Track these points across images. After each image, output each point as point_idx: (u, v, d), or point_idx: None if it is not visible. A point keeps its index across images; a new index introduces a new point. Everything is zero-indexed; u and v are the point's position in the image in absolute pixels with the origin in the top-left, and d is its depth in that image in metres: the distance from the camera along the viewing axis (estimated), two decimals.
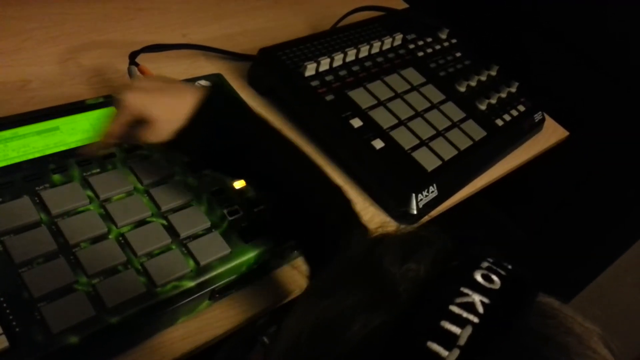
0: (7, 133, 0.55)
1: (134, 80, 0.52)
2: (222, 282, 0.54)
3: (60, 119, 0.58)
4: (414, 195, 0.74)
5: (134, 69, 0.72)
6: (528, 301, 0.27)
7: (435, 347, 0.24)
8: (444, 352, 0.24)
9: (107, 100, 0.62)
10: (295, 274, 0.64)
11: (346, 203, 0.56)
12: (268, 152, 0.55)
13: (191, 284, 0.51)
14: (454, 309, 0.25)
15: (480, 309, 0.25)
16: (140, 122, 0.51)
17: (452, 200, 0.82)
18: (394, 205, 0.75)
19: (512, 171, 0.93)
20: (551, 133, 1.03)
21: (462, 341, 0.24)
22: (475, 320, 0.25)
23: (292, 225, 0.58)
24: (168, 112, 0.51)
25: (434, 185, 0.77)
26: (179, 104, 0.51)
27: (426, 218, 0.75)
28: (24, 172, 0.52)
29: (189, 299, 0.52)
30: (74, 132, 0.58)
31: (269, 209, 0.59)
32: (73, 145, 0.57)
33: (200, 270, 0.53)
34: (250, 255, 0.56)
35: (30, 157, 0.54)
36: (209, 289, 0.53)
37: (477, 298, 0.26)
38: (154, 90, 0.52)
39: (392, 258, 0.29)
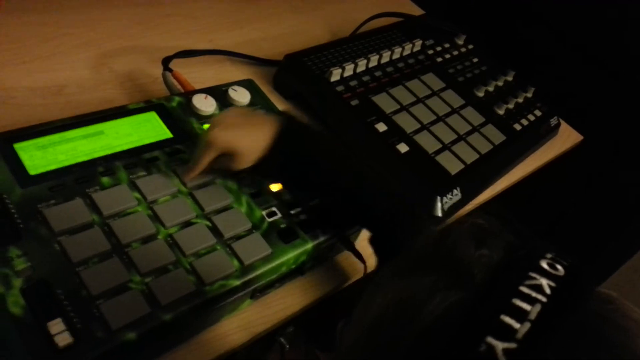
0: (56, 137, 0.57)
1: (219, 116, 0.58)
2: (264, 281, 0.56)
3: (105, 124, 0.60)
4: (439, 198, 0.76)
5: (168, 74, 0.73)
6: (589, 287, 0.30)
7: (508, 320, 0.27)
8: (516, 324, 0.26)
9: (147, 106, 0.64)
10: (329, 275, 0.66)
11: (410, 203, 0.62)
12: (338, 170, 0.61)
13: (237, 282, 0.53)
14: (524, 289, 0.28)
15: (548, 291, 0.28)
16: (226, 154, 0.57)
17: (473, 203, 0.84)
18: (419, 209, 0.77)
19: (529, 175, 0.95)
20: (566, 137, 1.06)
21: (532, 316, 0.27)
22: (544, 299, 0.28)
23: (365, 225, 0.63)
24: (251, 145, 0.57)
25: (458, 188, 0.79)
26: (260, 136, 0.57)
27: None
28: (74, 175, 0.54)
29: (234, 297, 0.54)
30: (118, 135, 0.60)
31: (316, 209, 0.63)
32: (118, 149, 0.58)
33: (244, 269, 0.54)
34: (290, 255, 0.58)
35: (79, 160, 0.56)
36: (252, 287, 0.55)
37: (544, 282, 0.29)
38: (238, 125, 0.57)
39: (466, 245, 0.32)
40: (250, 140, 0.57)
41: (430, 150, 0.81)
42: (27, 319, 0.44)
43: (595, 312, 0.29)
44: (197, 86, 0.75)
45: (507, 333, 0.26)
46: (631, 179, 1.23)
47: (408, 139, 0.81)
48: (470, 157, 0.84)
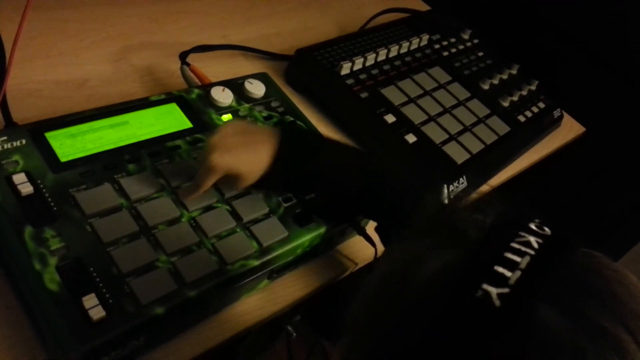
0: (84, 126, 0.60)
1: (217, 136, 0.56)
2: (281, 262, 0.59)
3: (129, 114, 0.63)
4: (445, 186, 0.79)
5: (186, 68, 0.77)
6: (575, 244, 0.33)
7: (500, 269, 0.30)
8: (508, 273, 0.30)
9: (168, 97, 0.67)
10: (341, 258, 0.69)
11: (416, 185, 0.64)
12: (342, 168, 0.61)
13: (256, 263, 0.56)
14: (515, 244, 0.31)
15: (536, 245, 0.31)
16: (229, 175, 0.56)
17: (478, 192, 0.87)
18: (427, 197, 0.80)
19: (533, 165, 0.98)
20: (569, 129, 1.08)
21: (522, 265, 0.30)
22: (532, 252, 0.31)
23: (372, 217, 0.65)
24: (253, 165, 0.57)
25: (464, 177, 0.82)
26: (262, 155, 0.57)
27: None
28: (103, 161, 0.57)
29: (253, 277, 0.57)
30: (142, 125, 0.63)
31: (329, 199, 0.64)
32: (142, 138, 0.62)
33: (263, 251, 0.58)
34: (305, 238, 0.61)
35: (106, 148, 0.59)
36: (269, 268, 0.58)
37: (532, 239, 0.32)
38: (238, 146, 0.56)
39: (462, 210, 0.36)
40: (251, 161, 0.56)
41: (437, 141, 0.84)
42: (62, 294, 0.47)
43: (579, 264, 0.32)
44: (213, 79, 0.78)
45: (500, 280, 0.29)
46: (634, 168, 1.26)
47: (416, 130, 0.84)
48: (476, 147, 0.86)
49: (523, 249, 0.31)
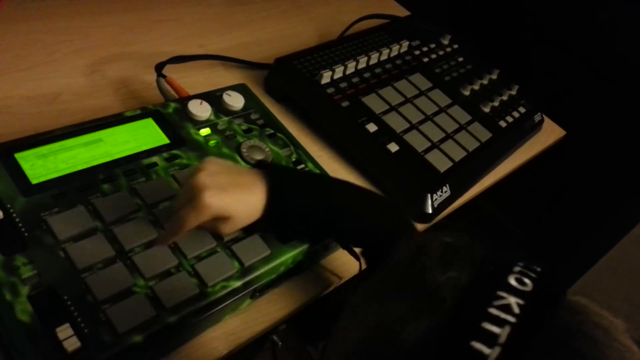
0: (56, 145, 0.58)
1: (204, 173, 0.50)
2: (263, 281, 0.58)
3: (103, 131, 0.61)
4: (429, 195, 0.78)
5: (162, 80, 0.75)
6: (558, 299, 0.31)
7: (478, 345, 0.27)
8: (486, 350, 0.27)
9: (143, 112, 0.65)
10: (325, 273, 0.68)
11: (395, 212, 0.62)
12: (330, 205, 0.58)
13: (238, 283, 0.55)
14: (493, 311, 0.29)
15: (517, 310, 0.29)
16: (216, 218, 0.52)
17: (462, 200, 0.87)
18: (410, 206, 0.79)
19: (515, 170, 0.98)
20: (550, 133, 1.08)
21: (502, 339, 0.27)
22: (513, 320, 0.28)
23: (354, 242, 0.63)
24: (248, 207, 0.52)
25: (447, 185, 0.81)
26: (257, 197, 0.53)
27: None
28: (76, 182, 0.55)
29: (235, 298, 0.55)
30: (116, 143, 0.61)
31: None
32: (117, 156, 0.60)
33: (244, 270, 0.56)
34: (288, 255, 0.59)
35: (80, 168, 0.57)
36: (252, 288, 0.57)
37: (512, 300, 0.29)
38: (230, 187, 0.51)
39: (435, 268, 0.32)
40: (248, 202, 0.52)
41: (420, 149, 0.83)
42: (35, 325, 0.45)
43: (565, 326, 0.29)
44: (190, 90, 0.76)
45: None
46: (613, 171, 1.27)
47: (398, 139, 0.83)
48: (458, 154, 0.86)
49: (502, 315, 0.28)
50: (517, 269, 0.31)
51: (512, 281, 0.30)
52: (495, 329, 0.28)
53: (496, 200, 1.37)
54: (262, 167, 0.57)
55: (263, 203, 0.53)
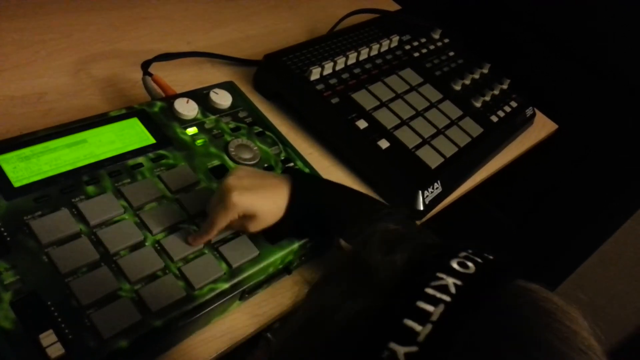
0: (39, 147, 0.57)
1: (230, 178, 0.55)
2: (252, 282, 0.57)
3: (87, 132, 0.60)
4: (420, 192, 0.77)
5: (148, 79, 0.73)
6: (500, 283, 0.29)
7: (410, 323, 0.26)
8: (418, 327, 0.26)
9: (129, 112, 0.64)
10: (316, 272, 0.67)
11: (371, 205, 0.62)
12: (345, 207, 0.62)
13: (225, 285, 0.54)
14: (429, 290, 0.28)
15: (453, 290, 0.28)
16: (244, 216, 0.56)
17: (453, 196, 0.86)
18: (401, 203, 0.78)
19: (507, 165, 0.97)
20: (541, 127, 1.08)
21: (434, 317, 0.27)
22: (448, 299, 0.27)
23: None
24: (272, 206, 0.57)
25: (438, 181, 0.80)
26: (279, 199, 0.57)
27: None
28: (59, 185, 0.54)
29: (223, 300, 0.55)
30: (101, 143, 0.60)
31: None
32: (102, 157, 0.59)
33: (232, 272, 0.55)
34: (277, 256, 0.59)
35: (63, 170, 0.56)
36: (240, 289, 0.56)
37: (450, 281, 0.28)
38: (256, 188, 0.56)
39: (376, 253, 0.32)
40: (272, 201, 0.57)
41: (411, 145, 0.82)
42: (18, 332, 0.44)
43: (503, 307, 0.28)
44: (178, 88, 0.75)
45: (409, 336, 0.26)
46: (605, 164, 1.26)
47: (389, 135, 0.82)
48: (450, 150, 0.85)
49: (438, 295, 0.27)
50: (462, 254, 0.30)
51: (454, 264, 0.29)
52: (429, 307, 0.27)
53: (488, 194, 1.37)
54: (287, 172, 0.62)
55: (286, 203, 0.57)
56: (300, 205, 0.58)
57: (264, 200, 0.56)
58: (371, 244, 0.32)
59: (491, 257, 0.31)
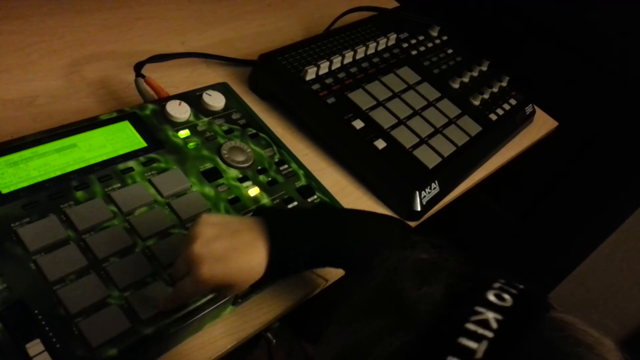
0: (27, 152, 0.56)
1: (197, 245, 0.47)
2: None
3: (77, 136, 0.59)
4: (417, 192, 0.76)
5: (141, 81, 0.73)
6: (539, 316, 0.29)
7: None
8: None
9: (120, 115, 0.63)
10: (311, 276, 0.66)
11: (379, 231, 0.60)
12: (335, 247, 0.56)
13: None
14: (470, 326, 0.27)
15: (494, 325, 0.27)
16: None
17: (452, 195, 0.85)
18: (398, 204, 0.77)
19: (507, 163, 0.96)
20: (542, 124, 1.07)
21: (479, 354, 0.26)
22: (490, 335, 0.27)
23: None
24: (249, 271, 0.49)
25: (436, 182, 0.79)
26: (257, 257, 0.49)
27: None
28: (48, 190, 0.54)
29: (215, 306, 0.54)
30: (91, 148, 0.59)
31: None
32: (92, 161, 0.58)
33: None
34: None
35: (52, 175, 0.55)
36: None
37: (490, 315, 0.28)
38: (228, 254, 0.48)
39: (410, 284, 0.31)
40: (248, 266, 0.49)
41: (408, 145, 0.81)
42: (4, 341, 0.44)
43: (545, 343, 0.28)
44: (172, 90, 0.74)
45: None
46: (606, 161, 1.25)
47: (385, 135, 0.81)
48: (447, 149, 0.84)
49: (480, 331, 0.27)
50: (496, 285, 0.30)
51: (491, 297, 0.29)
52: (472, 344, 0.27)
53: (490, 191, 1.36)
54: (261, 214, 0.54)
55: (266, 260, 0.50)
56: (281, 260, 0.51)
57: (241, 268, 0.48)
58: (405, 276, 0.32)
59: (522, 287, 0.31)
